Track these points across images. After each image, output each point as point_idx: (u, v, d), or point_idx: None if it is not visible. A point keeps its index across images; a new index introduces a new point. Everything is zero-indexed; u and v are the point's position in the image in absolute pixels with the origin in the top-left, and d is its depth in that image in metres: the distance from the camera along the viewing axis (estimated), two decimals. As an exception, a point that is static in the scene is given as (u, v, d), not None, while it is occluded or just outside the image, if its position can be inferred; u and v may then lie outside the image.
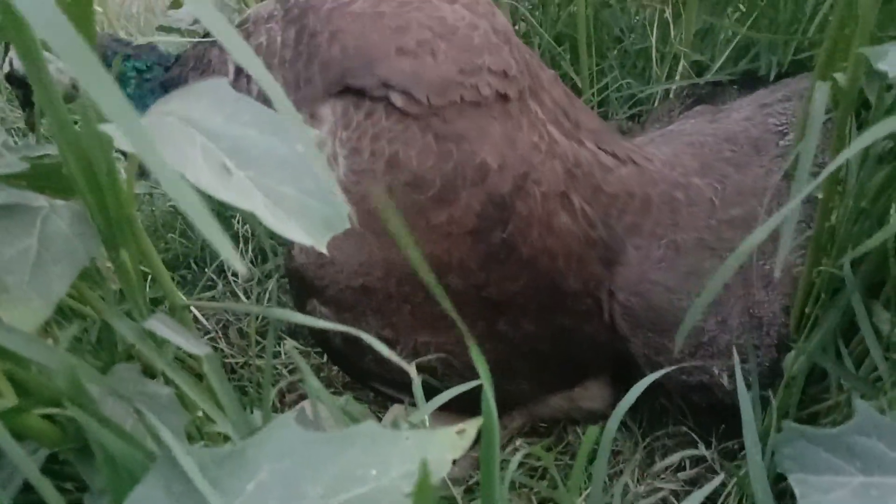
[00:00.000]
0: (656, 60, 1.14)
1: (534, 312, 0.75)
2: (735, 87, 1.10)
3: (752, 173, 0.85)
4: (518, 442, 0.88)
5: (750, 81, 1.09)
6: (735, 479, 0.76)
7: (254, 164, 0.35)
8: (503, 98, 0.70)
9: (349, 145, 0.67)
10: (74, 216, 0.44)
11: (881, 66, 0.41)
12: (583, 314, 0.77)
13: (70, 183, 0.44)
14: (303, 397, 1.03)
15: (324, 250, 0.33)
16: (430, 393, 0.58)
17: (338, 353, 0.77)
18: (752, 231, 0.82)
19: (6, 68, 0.80)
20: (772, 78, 1.06)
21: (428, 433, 0.32)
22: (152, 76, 0.78)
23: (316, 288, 0.71)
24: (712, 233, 0.80)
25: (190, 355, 0.46)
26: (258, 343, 1.08)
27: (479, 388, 0.77)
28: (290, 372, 1.08)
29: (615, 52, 1.19)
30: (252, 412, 0.78)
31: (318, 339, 0.76)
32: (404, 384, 0.56)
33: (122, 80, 0.76)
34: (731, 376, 0.75)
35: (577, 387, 0.84)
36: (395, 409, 0.89)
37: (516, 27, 1.16)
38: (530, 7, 1.20)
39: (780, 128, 0.90)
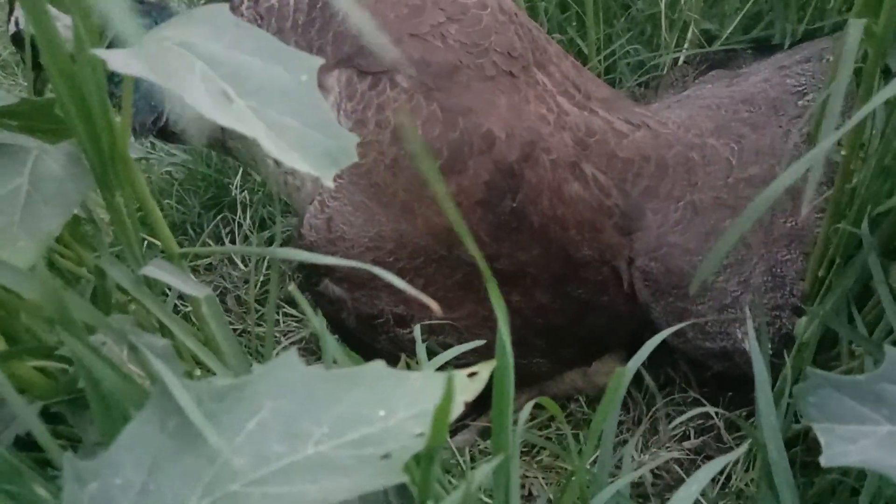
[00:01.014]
0: (665, 27, 1.12)
1: (547, 284, 0.74)
2: (749, 52, 1.07)
3: (769, 133, 0.83)
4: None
5: (765, 48, 1.07)
6: (745, 444, 0.74)
7: (255, 94, 0.33)
8: (509, 75, 0.70)
9: (354, 116, 0.67)
10: (67, 158, 0.42)
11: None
12: (599, 284, 0.75)
13: (62, 123, 0.42)
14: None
15: (330, 184, 0.32)
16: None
17: (351, 333, 0.76)
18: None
19: (12, 28, 0.78)
20: (786, 46, 1.04)
21: (439, 375, 0.30)
22: None
23: (327, 266, 0.70)
24: (730, 191, 0.78)
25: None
26: (257, 311, 1.06)
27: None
28: (292, 344, 1.07)
29: (623, 18, 1.16)
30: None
31: (332, 320, 0.74)
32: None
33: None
34: (757, 340, 0.73)
35: (595, 362, 0.83)
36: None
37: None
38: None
39: (800, 88, 0.88)
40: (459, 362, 0.72)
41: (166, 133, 0.78)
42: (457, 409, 0.30)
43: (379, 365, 0.30)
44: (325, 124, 0.33)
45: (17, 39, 0.78)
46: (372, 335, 0.74)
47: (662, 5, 1.11)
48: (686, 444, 0.82)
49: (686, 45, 1.11)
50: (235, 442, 0.27)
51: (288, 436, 0.27)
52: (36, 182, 0.40)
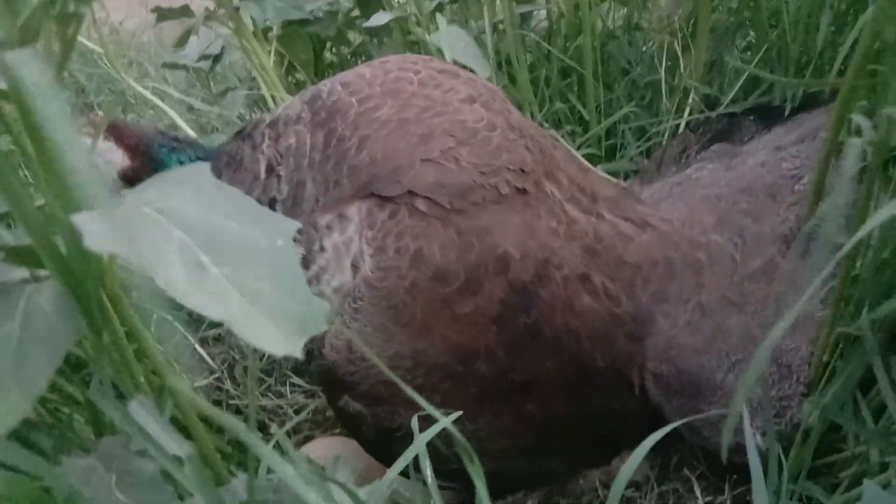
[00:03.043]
0: (665, 93, 1.13)
1: (563, 392, 0.75)
2: (751, 118, 1.08)
3: (769, 222, 0.84)
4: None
5: (765, 111, 1.07)
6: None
7: (231, 259, 0.34)
8: (521, 192, 0.72)
9: (375, 244, 0.69)
10: (57, 294, 0.43)
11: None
12: (613, 390, 0.77)
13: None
14: (308, 438, 1.02)
15: (298, 355, 0.32)
16: (462, 476, 0.60)
17: (371, 444, 0.78)
18: (773, 281, 0.81)
19: None
20: (787, 111, 1.04)
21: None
22: None
23: (347, 384, 0.73)
24: (735, 289, 0.80)
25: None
26: (265, 382, 1.07)
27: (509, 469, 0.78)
28: (296, 412, 1.07)
29: (622, 84, 1.17)
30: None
31: (352, 431, 0.78)
32: (440, 472, 0.57)
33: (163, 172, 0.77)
34: (765, 435, 0.73)
35: (615, 460, 0.83)
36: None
37: (526, 55, 1.15)
38: (536, 41, 1.18)
39: (795, 171, 0.89)
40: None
41: None
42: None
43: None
44: (299, 291, 0.34)
45: None
46: (392, 444, 0.75)
47: (662, 72, 1.12)
48: (693, 527, 0.81)
49: (687, 111, 1.12)
50: None
51: None
52: (27, 324, 0.41)
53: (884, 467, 0.62)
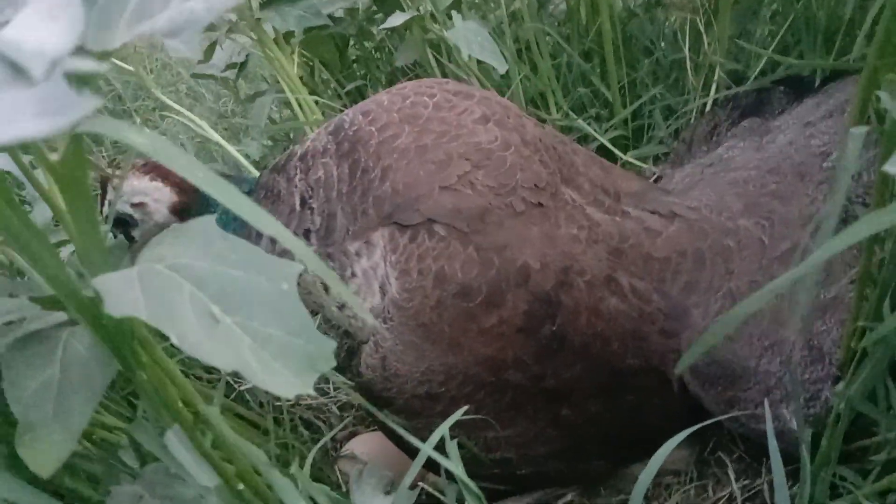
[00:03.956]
0: (691, 71, 1.11)
1: (596, 395, 0.76)
2: (781, 89, 1.06)
3: (797, 203, 0.84)
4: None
5: (795, 82, 1.05)
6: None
7: (240, 308, 0.36)
8: (538, 206, 0.74)
9: (399, 267, 0.72)
10: (93, 339, 0.46)
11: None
12: (649, 388, 0.78)
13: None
14: (353, 435, 1.05)
15: (310, 391, 0.34)
16: (510, 480, 0.72)
17: (415, 453, 0.81)
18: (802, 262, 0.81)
19: (106, 210, 0.85)
20: (817, 82, 1.01)
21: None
22: None
23: (385, 399, 0.76)
24: (765, 273, 0.80)
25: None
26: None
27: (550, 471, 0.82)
28: (340, 408, 1.10)
29: (646, 64, 1.16)
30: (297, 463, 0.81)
31: (395, 442, 0.81)
32: (481, 476, 0.61)
33: (212, 206, 0.82)
34: (797, 419, 0.73)
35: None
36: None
37: (546, 39, 1.14)
38: (557, 25, 1.18)
39: (823, 148, 0.88)
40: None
41: None
42: None
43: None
44: (306, 331, 0.36)
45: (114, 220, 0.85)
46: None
47: (686, 50, 1.10)
48: (731, 510, 0.82)
49: (714, 88, 1.10)
50: None
51: None
52: (66, 369, 0.44)
53: (913, 455, 0.62)
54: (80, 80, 0.20)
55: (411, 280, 0.71)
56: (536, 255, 0.72)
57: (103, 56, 0.31)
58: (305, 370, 0.35)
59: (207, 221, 0.39)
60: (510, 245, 0.71)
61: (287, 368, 0.35)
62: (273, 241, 0.79)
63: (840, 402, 0.65)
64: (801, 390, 0.73)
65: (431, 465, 0.67)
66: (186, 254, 0.37)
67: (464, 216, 0.71)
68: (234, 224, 0.81)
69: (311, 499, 0.46)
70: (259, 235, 0.80)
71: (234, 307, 0.36)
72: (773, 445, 0.57)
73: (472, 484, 0.62)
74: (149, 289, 0.36)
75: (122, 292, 0.35)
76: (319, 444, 0.83)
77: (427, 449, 0.59)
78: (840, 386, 0.66)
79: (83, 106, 0.19)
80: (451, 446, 0.62)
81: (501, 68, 0.93)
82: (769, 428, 0.59)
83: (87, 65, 0.20)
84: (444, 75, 1.14)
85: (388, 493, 0.62)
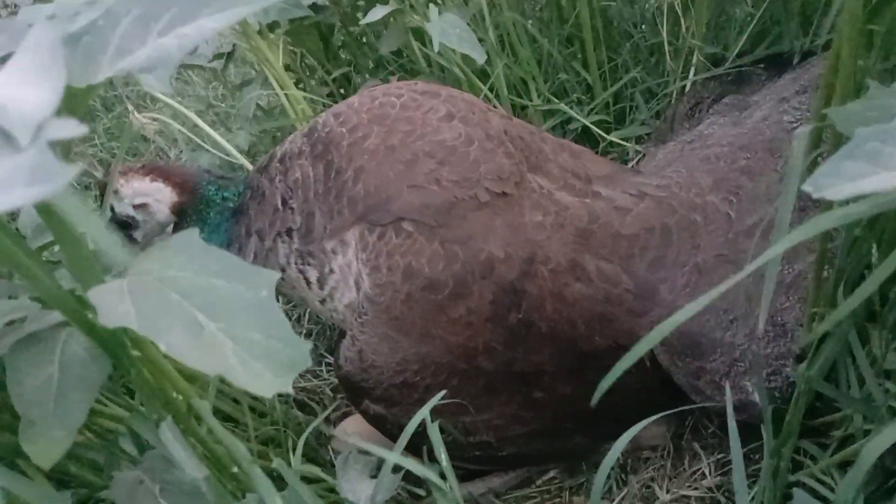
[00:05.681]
0: (669, 54, 1.13)
1: (566, 377, 0.80)
2: (761, 66, 1.07)
3: (765, 180, 0.86)
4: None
5: (775, 59, 1.07)
6: (756, 486, 0.78)
7: (224, 315, 0.39)
8: (502, 195, 0.77)
9: (370, 264, 0.76)
10: (89, 339, 0.49)
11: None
12: None
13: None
14: (346, 415, 1.09)
15: (289, 390, 0.37)
16: (493, 460, 0.77)
17: (397, 437, 0.85)
18: (768, 236, 0.83)
19: (108, 213, 0.88)
20: (796, 59, 1.03)
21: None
22: (232, 203, 0.88)
23: (364, 390, 0.80)
24: (731, 246, 0.82)
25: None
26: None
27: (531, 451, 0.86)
28: (333, 390, 1.14)
29: (626, 48, 1.17)
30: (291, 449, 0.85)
31: (379, 428, 0.85)
32: (462, 458, 0.66)
33: (209, 205, 0.87)
34: (760, 392, 0.76)
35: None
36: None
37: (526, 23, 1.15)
38: (538, 9, 1.19)
39: (795, 124, 0.89)
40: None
41: None
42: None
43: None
44: (284, 334, 0.39)
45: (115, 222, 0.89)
46: (414, 439, 0.82)
47: (664, 34, 1.12)
48: (704, 483, 0.86)
49: (692, 70, 1.12)
50: None
51: None
52: (64, 368, 0.48)
53: (867, 433, 0.65)
54: (63, 147, 0.23)
55: (381, 276, 0.75)
56: (500, 245, 0.75)
57: (88, 91, 0.33)
58: (284, 370, 0.38)
59: (191, 235, 0.42)
60: (475, 236, 0.75)
61: (268, 369, 0.38)
62: (261, 238, 0.82)
63: (802, 383, 0.69)
64: (764, 364, 0.77)
65: (415, 450, 0.70)
66: (172, 266, 0.40)
67: (431, 212, 0.75)
68: (216, 238, 0.85)
69: (297, 488, 0.50)
70: (248, 234, 0.84)
71: (217, 314, 0.39)
72: (730, 412, 0.60)
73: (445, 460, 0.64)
74: (138, 300, 0.39)
75: (114, 305, 0.38)
76: (312, 427, 0.87)
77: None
78: (801, 367, 0.69)
79: (67, 172, 0.21)
80: (433, 429, 0.66)
81: (480, 59, 0.94)
82: (728, 396, 0.62)
83: (69, 130, 0.23)
84: (429, 63, 1.16)
85: (373, 476, 0.66)
